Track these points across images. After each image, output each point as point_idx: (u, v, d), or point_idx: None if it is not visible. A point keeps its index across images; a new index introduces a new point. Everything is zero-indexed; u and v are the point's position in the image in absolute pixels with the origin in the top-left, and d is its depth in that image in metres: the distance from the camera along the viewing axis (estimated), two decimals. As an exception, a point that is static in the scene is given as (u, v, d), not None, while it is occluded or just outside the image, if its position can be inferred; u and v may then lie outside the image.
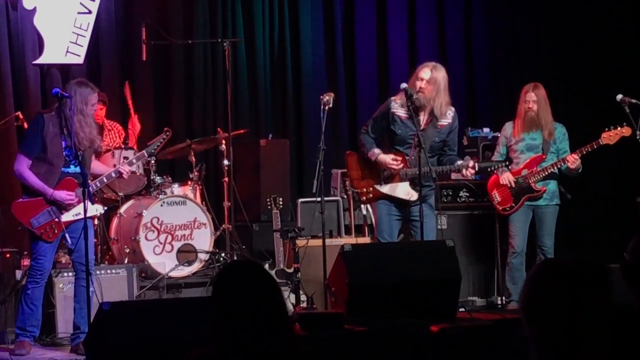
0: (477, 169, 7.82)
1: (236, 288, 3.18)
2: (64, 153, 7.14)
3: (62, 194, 7.13)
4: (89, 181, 7.21)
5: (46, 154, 7.13)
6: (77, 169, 7.15)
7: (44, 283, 7.29)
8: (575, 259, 2.60)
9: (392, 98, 7.80)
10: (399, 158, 7.69)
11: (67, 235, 7.15)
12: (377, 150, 7.72)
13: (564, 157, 8.41)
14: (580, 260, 2.59)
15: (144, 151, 7.93)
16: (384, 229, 7.74)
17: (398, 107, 7.69)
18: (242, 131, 9.61)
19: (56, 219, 7.15)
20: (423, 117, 7.71)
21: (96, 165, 7.72)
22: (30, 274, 7.25)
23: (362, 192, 7.83)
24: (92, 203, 7.25)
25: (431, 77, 7.64)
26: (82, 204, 7.00)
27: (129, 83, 9.60)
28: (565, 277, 2.56)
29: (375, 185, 7.77)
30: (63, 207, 7.16)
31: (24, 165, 7.16)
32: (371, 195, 7.79)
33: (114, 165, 8.56)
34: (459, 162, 7.73)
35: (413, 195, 7.70)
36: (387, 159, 7.69)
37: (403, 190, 7.72)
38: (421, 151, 7.49)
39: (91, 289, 7.05)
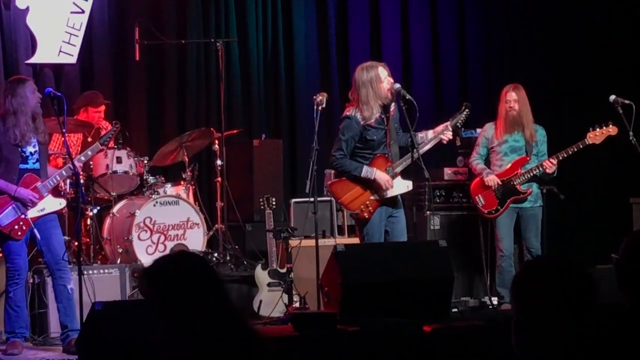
0: (451, 128, 7.79)
1: (169, 284, 2.94)
2: (19, 149, 7.15)
3: (27, 193, 7.14)
4: (46, 178, 7.24)
5: (2, 153, 7.16)
6: (37, 165, 7.21)
7: (23, 283, 7.27)
8: (559, 258, 2.62)
9: (348, 114, 7.64)
10: (388, 177, 7.62)
11: (35, 231, 7.15)
12: (369, 169, 7.59)
13: (542, 161, 8.43)
14: (563, 259, 2.61)
15: (97, 143, 7.86)
16: (376, 236, 7.67)
17: (362, 118, 7.57)
18: (235, 131, 9.61)
19: (22, 215, 7.16)
20: (390, 109, 7.69)
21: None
22: (8, 276, 7.22)
23: (361, 211, 7.66)
24: (55, 197, 7.34)
25: (388, 73, 7.64)
26: (45, 199, 7.14)
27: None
28: (549, 275, 2.58)
29: (372, 197, 7.65)
30: (26, 204, 7.18)
31: None
32: (371, 209, 7.64)
33: (107, 165, 8.58)
34: (427, 134, 7.69)
35: (409, 185, 7.67)
36: (385, 177, 7.59)
37: (400, 186, 7.68)
38: (415, 150, 7.51)
39: (69, 285, 7.15)
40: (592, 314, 2.58)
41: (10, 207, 7.14)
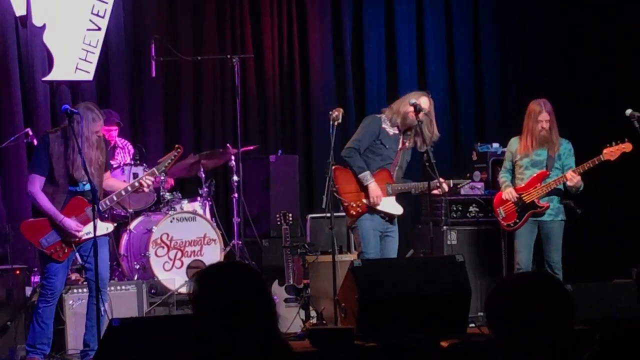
0: (451, 185, 8.08)
1: (215, 292, 3.02)
2: (69, 172, 7.09)
3: (72, 224, 7.06)
4: (100, 199, 7.15)
5: (52, 174, 7.08)
6: (87, 187, 7.06)
7: (55, 302, 7.24)
8: (531, 275, 2.62)
9: (379, 115, 8.05)
10: (380, 194, 7.84)
11: (77, 254, 7.12)
12: (367, 176, 7.88)
13: (565, 173, 8.39)
14: (539, 276, 2.60)
15: (153, 169, 7.84)
16: (371, 244, 7.85)
17: (384, 123, 7.96)
18: (251, 147, 9.62)
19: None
20: (409, 139, 7.99)
21: (110, 181, 7.59)
22: (42, 293, 7.20)
23: (351, 206, 7.92)
24: (102, 221, 7.20)
25: (430, 107, 7.93)
26: (91, 223, 6.85)
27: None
28: (523, 293, 2.57)
29: (364, 200, 7.88)
30: (69, 234, 7.11)
31: (37, 187, 7.07)
32: (360, 210, 7.89)
33: (124, 182, 8.58)
34: (434, 181, 7.87)
35: (399, 210, 7.96)
36: (378, 192, 7.84)
37: (392, 206, 7.94)
38: (431, 166, 7.60)
39: (103, 307, 7.03)
40: (569, 333, 2.56)
41: (53, 230, 7.07)
